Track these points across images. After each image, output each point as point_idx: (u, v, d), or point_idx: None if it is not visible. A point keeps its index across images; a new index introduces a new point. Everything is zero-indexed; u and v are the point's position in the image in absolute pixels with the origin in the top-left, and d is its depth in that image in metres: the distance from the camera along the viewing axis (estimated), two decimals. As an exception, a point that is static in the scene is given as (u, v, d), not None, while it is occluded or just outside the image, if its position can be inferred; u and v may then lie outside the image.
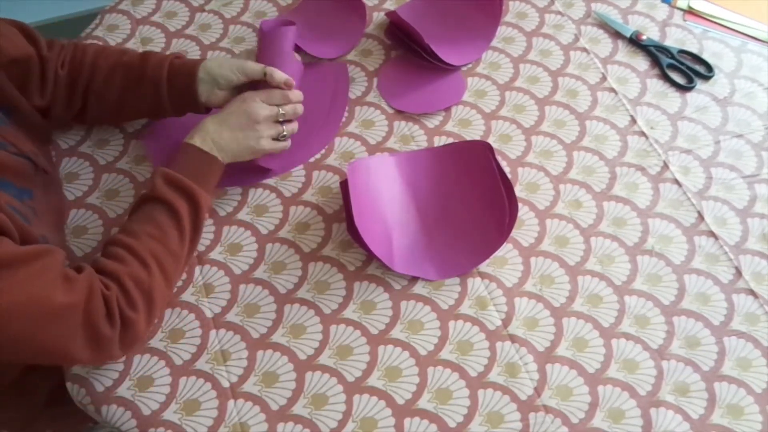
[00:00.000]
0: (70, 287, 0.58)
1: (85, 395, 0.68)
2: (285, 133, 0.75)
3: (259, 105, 0.73)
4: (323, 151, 0.84)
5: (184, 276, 0.75)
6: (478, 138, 0.85)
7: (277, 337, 0.71)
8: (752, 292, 0.73)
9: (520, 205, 0.79)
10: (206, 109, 0.78)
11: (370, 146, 0.84)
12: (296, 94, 0.76)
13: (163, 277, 0.65)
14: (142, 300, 0.63)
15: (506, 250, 0.76)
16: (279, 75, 0.75)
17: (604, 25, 0.96)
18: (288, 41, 0.77)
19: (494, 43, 0.94)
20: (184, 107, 0.79)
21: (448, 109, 0.87)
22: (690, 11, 0.97)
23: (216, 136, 0.71)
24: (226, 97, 0.77)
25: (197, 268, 0.75)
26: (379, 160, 0.80)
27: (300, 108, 0.77)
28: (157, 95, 0.77)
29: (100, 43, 0.94)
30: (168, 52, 0.93)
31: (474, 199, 0.77)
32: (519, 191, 0.80)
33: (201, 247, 0.76)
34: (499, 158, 0.77)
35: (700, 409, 0.67)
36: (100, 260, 0.64)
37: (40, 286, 0.56)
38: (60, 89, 0.76)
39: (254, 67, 0.75)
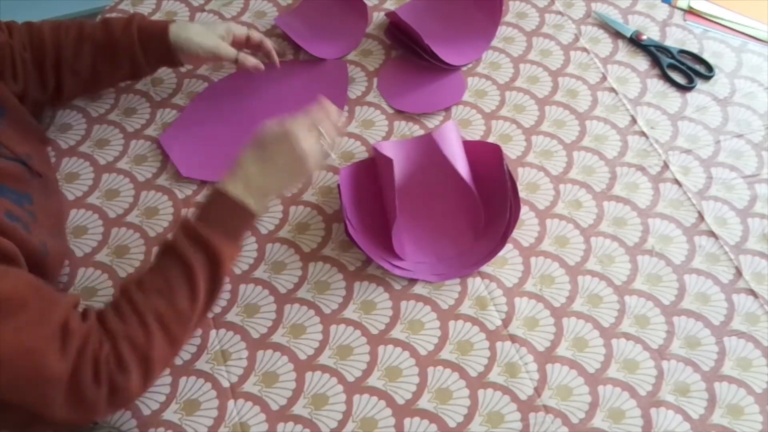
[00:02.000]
0: (64, 347, 0.54)
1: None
2: (326, 145, 0.69)
3: (308, 139, 0.65)
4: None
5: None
6: (477, 138, 0.85)
7: (277, 337, 0.71)
8: (752, 292, 0.73)
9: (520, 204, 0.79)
10: (185, 61, 0.81)
11: (370, 146, 0.84)
12: (332, 109, 0.70)
13: (166, 338, 0.60)
14: (136, 362, 0.58)
15: (506, 250, 0.76)
16: (251, 60, 0.76)
17: (605, 25, 0.96)
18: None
19: (494, 43, 0.94)
20: (162, 65, 0.82)
21: (448, 109, 0.87)
22: (690, 11, 0.97)
23: (260, 182, 0.64)
24: (210, 45, 0.78)
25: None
26: (385, 151, 0.77)
27: (335, 116, 0.71)
28: (133, 61, 0.78)
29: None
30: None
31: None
32: (519, 191, 0.80)
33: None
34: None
35: (700, 409, 0.67)
36: (106, 312, 0.60)
37: (36, 340, 0.53)
38: (29, 72, 0.76)
39: (228, 52, 0.75)
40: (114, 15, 0.97)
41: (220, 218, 0.63)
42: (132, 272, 0.75)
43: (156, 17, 0.97)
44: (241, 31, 0.82)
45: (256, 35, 0.83)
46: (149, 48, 0.78)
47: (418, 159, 0.78)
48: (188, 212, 0.69)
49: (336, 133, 0.70)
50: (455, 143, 0.77)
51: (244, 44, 0.84)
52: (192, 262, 0.61)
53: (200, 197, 0.80)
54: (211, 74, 0.91)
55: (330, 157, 0.73)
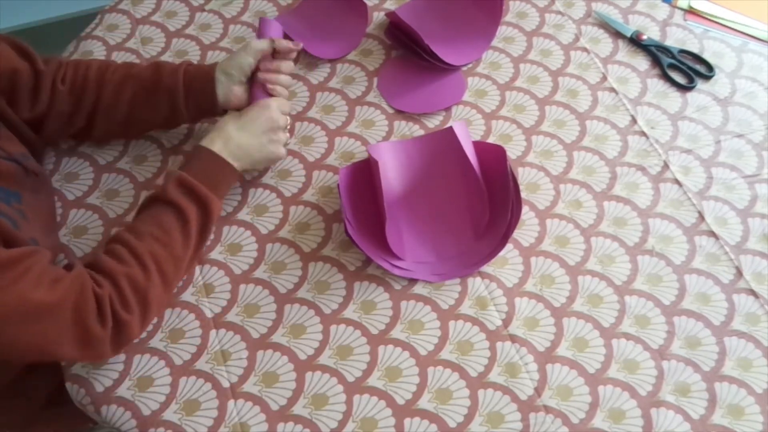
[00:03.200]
0: (54, 286, 0.57)
1: (85, 395, 0.68)
2: (288, 140, 0.77)
3: (279, 112, 0.75)
4: (322, 151, 0.84)
5: (184, 276, 0.75)
6: (478, 138, 0.85)
7: (277, 337, 0.71)
8: (753, 292, 0.73)
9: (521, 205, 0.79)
10: (222, 111, 0.78)
11: (365, 149, 0.84)
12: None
13: (162, 280, 0.65)
14: (136, 302, 0.62)
15: (506, 250, 0.76)
16: (285, 42, 0.78)
17: (605, 24, 0.95)
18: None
19: (494, 42, 0.94)
20: (201, 113, 0.79)
21: (448, 109, 0.87)
22: (691, 11, 0.97)
23: (238, 142, 0.72)
24: (242, 95, 0.77)
25: (197, 268, 0.75)
26: (378, 152, 0.78)
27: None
28: (172, 103, 0.76)
29: (100, 43, 0.94)
30: (168, 52, 0.93)
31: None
32: (520, 191, 0.80)
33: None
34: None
35: (700, 409, 0.67)
36: (99, 257, 0.63)
37: (23, 288, 0.55)
38: (61, 105, 0.75)
39: (260, 43, 0.77)
40: (113, 15, 0.97)
41: (207, 173, 0.69)
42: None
43: (156, 17, 0.97)
44: (263, 45, 0.78)
45: (282, 44, 0.79)
46: (193, 87, 0.76)
47: (427, 155, 0.79)
48: (171, 164, 0.79)
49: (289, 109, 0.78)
50: (468, 141, 0.77)
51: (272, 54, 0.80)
52: (188, 213, 0.66)
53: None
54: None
55: (285, 150, 0.79)
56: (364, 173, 0.79)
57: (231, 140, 0.72)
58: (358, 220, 0.75)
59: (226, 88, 0.76)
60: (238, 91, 0.77)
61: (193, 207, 0.67)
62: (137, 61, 0.92)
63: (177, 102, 0.76)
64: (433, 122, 0.86)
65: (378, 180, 0.74)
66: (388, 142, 0.83)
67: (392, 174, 0.78)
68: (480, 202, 0.76)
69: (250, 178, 0.82)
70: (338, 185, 0.77)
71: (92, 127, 0.78)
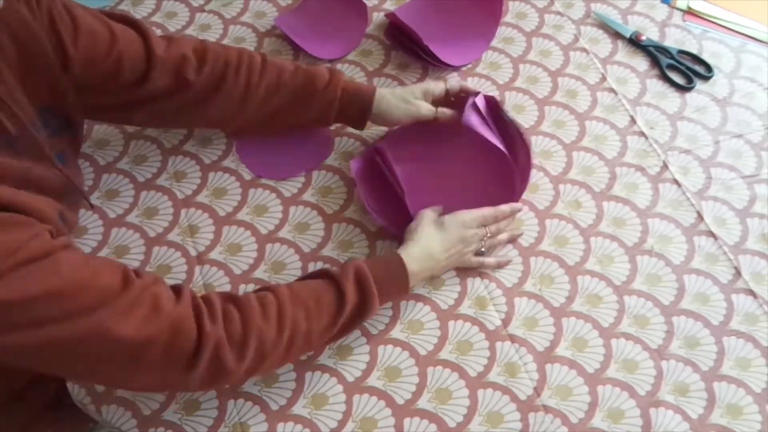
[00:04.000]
0: (210, 316, 0.56)
1: (86, 395, 0.68)
2: (483, 249, 0.74)
3: (474, 232, 0.72)
4: (323, 152, 0.84)
5: (183, 276, 0.75)
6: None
7: (277, 337, 0.71)
8: (751, 292, 0.73)
9: (520, 204, 0.79)
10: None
11: (370, 146, 0.84)
12: (506, 211, 0.75)
13: (285, 351, 0.61)
14: (253, 356, 0.58)
15: (506, 250, 0.76)
16: (448, 114, 0.78)
17: (604, 25, 0.96)
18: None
19: (494, 43, 0.94)
20: (345, 123, 0.82)
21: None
22: (689, 12, 0.97)
23: (433, 252, 0.69)
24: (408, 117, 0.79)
25: (197, 268, 0.75)
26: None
27: (504, 225, 0.76)
28: (323, 116, 0.78)
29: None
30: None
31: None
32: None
33: (201, 247, 0.77)
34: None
35: (699, 408, 0.67)
36: (250, 298, 0.60)
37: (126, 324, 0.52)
38: (185, 95, 0.72)
39: (427, 112, 0.77)
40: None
41: (386, 280, 0.66)
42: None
43: (156, 17, 0.97)
44: (439, 89, 0.80)
45: (454, 85, 0.81)
46: (348, 111, 0.78)
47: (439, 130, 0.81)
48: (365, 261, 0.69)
49: (495, 219, 0.75)
50: (478, 119, 0.78)
51: (444, 101, 0.81)
52: (347, 301, 0.63)
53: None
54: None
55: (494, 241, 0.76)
56: (375, 161, 0.80)
57: (425, 265, 0.69)
58: (382, 206, 0.77)
59: (377, 120, 0.79)
60: (413, 105, 0.78)
61: (355, 300, 0.64)
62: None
63: (327, 117, 0.78)
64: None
65: (392, 170, 0.77)
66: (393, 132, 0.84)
67: (405, 155, 0.79)
68: (504, 164, 0.76)
69: (249, 177, 0.82)
70: (355, 175, 0.78)
71: (223, 121, 0.78)
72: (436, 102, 0.80)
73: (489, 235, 0.73)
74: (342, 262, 0.75)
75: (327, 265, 0.75)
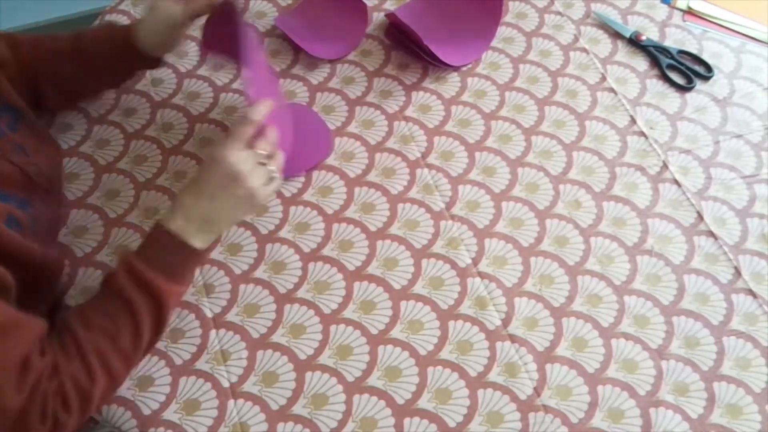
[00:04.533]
0: (21, 381, 0.54)
1: (86, 395, 0.68)
2: (274, 170, 0.66)
3: (236, 156, 0.62)
4: (323, 152, 0.84)
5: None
6: (478, 138, 0.85)
7: (277, 337, 0.71)
8: (751, 292, 0.73)
9: (519, 205, 0.79)
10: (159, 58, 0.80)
11: (370, 146, 0.84)
12: (261, 115, 0.64)
13: (108, 379, 0.60)
14: (78, 403, 0.58)
15: (506, 250, 0.76)
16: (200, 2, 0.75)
17: (604, 25, 0.96)
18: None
19: (494, 43, 0.94)
20: (143, 68, 0.83)
21: (448, 109, 0.87)
22: (689, 12, 0.97)
23: (200, 213, 0.63)
24: (175, 45, 0.78)
25: (197, 268, 0.75)
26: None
27: (274, 132, 0.67)
28: (111, 71, 0.80)
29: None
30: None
31: None
32: (519, 191, 0.81)
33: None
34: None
35: (699, 408, 0.67)
36: (53, 344, 0.59)
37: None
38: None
39: (175, 17, 0.75)
40: (113, 15, 0.97)
41: (162, 258, 0.62)
42: (78, 303, 0.71)
43: (156, 17, 0.97)
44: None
45: None
46: (124, 58, 0.78)
47: None
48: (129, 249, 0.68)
49: (276, 150, 0.66)
50: None
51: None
52: (137, 305, 0.60)
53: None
54: (212, 75, 0.91)
55: (278, 181, 0.68)
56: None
57: (191, 213, 0.62)
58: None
59: (151, 48, 0.77)
60: (166, 45, 0.77)
61: (144, 300, 0.60)
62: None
63: (116, 71, 0.79)
64: (433, 122, 0.86)
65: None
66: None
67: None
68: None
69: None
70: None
71: (42, 99, 0.79)
72: None
73: (263, 152, 0.64)
74: (342, 262, 0.75)
75: (325, 265, 0.75)
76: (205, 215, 0.63)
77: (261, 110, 0.64)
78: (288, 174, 0.82)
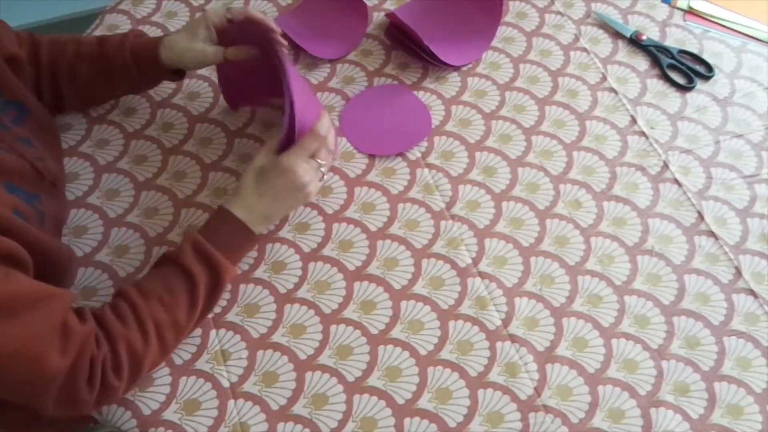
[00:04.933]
0: (64, 346, 0.55)
1: (86, 395, 0.68)
2: (325, 171, 0.73)
3: (302, 169, 0.68)
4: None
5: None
6: (478, 138, 0.85)
7: (277, 337, 0.71)
8: (752, 292, 0.73)
9: (520, 205, 0.79)
10: (180, 73, 0.81)
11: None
12: (326, 130, 0.71)
13: (160, 347, 0.63)
14: (129, 368, 0.60)
15: (507, 249, 0.76)
16: (241, 52, 0.76)
17: (604, 25, 0.96)
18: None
19: (494, 43, 0.94)
20: (160, 80, 0.82)
21: (448, 108, 0.87)
22: (690, 11, 0.97)
23: (261, 210, 0.69)
24: (194, 68, 0.80)
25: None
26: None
27: (332, 143, 0.73)
28: (131, 81, 0.80)
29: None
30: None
31: None
32: (519, 191, 0.80)
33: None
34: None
35: (700, 409, 0.67)
36: (105, 312, 0.61)
37: (38, 340, 0.54)
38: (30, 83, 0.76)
39: (213, 57, 0.76)
40: (114, 15, 0.97)
41: (226, 239, 0.67)
42: (132, 276, 0.74)
43: (156, 17, 0.97)
44: (218, 18, 0.76)
45: (237, 14, 0.77)
46: (144, 69, 0.78)
47: None
48: (190, 228, 0.73)
49: (331, 158, 0.73)
50: None
51: (228, 28, 0.78)
52: (197, 278, 0.64)
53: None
54: (212, 75, 0.91)
55: (325, 179, 0.75)
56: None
57: (254, 208, 0.68)
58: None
59: (173, 64, 0.77)
60: (197, 52, 0.76)
61: (204, 273, 0.65)
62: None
63: (131, 76, 0.78)
64: (433, 123, 0.86)
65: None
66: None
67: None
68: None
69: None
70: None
71: (61, 98, 0.80)
72: (221, 32, 0.77)
73: (323, 162, 0.71)
74: (342, 262, 0.75)
75: (325, 265, 0.75)
76: (266, 212, 0.69)
77: (325, 125, 0.71)
78: (393, 151, 0.83)
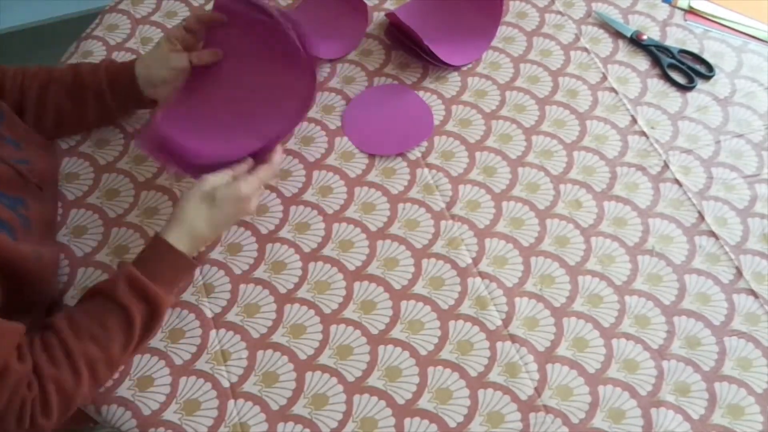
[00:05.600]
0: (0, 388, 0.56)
1: (85, 395, 0.68)
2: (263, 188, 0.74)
3: (256, 198, 0.70)
4: (323, 151, 0.84)
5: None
6: (478, 138, 0.85)
7: (277, 337, 0.71)
8: (753, 292, 0.73)
9: (520, 204, 0.79)
10: (153, 102, 0.80)
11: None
12: (281, 160, 0.73)
13: (92, 382, 0.62)
14: (59, 406, 0.60)
15: (507, 249, 0.76)
16: (206, 55, 0.75)
17: (605, 24, 0.95)
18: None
19: (494, 42, 0.94)
20: (131, 105, 0.81)
21: (448, 108, 0.87)
22: (691, 11, 0.97)
23: (200, 232, 0.67)
24: (168, 89, 0.77)
25: (197, 269, 0.75)
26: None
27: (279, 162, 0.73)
28: (101, 102, 0.78)
29: (100, 43, 0.94)
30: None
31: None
32: (519, 191, 0.80)
33: (202, 247, 0.76)
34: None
35: (700, 409, 0.67)
36: (35, 351, 0.60)
37: None
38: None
39: (180, 61, 0.75)
40: (113, 15, 0.97)
41: (162, 269, 0.65)
42: (63, 308, 0.72)
43: (156, 17, 0.97)
44: (178, 32, 0.76)
45: (191, 21, 0.76)
46: (117, 88, 0.77)
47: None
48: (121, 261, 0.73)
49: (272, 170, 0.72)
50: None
51: (190, 39, 0.77)
52: (134, 316, 0.63)
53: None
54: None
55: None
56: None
57: (195, 232, 0.67)
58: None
59: (149, 89, 0.77)
60: (163, 90, 0.77)
61: (141, 307, 0.63)
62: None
63: (105, 101, 0.77)
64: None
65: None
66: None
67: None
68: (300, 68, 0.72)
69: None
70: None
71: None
72: (185, 43, 0.76)
73: (272, 183, 0.75)
74: (342, 262, 0.75)
75: (325, 265, 0.75)
76: (205, 236, 0.69)
77: (280, 154, 0.72)
78: (395, 151, 0.83)
